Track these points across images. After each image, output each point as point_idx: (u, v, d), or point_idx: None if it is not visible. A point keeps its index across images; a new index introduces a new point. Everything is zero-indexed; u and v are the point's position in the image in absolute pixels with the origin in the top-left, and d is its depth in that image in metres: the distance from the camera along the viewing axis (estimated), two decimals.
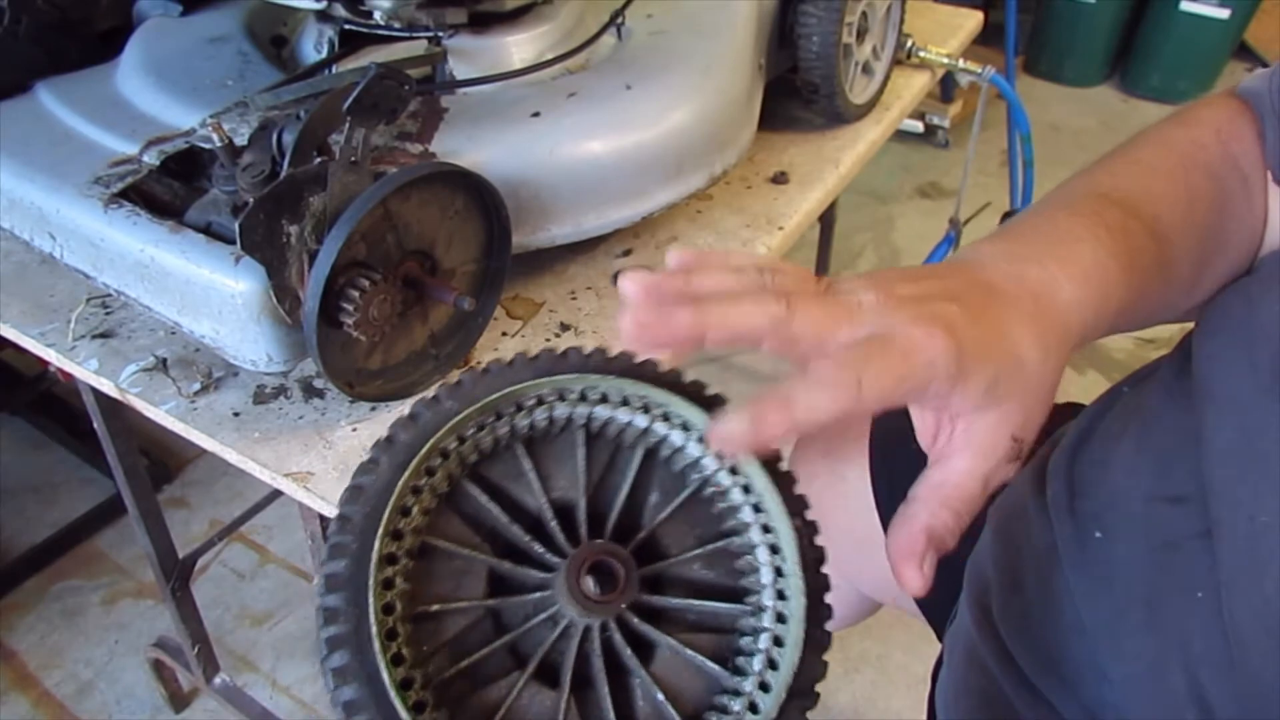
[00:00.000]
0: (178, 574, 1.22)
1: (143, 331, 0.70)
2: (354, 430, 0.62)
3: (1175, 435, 0.49)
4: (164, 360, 0.67)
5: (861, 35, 0.92)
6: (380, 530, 0.34)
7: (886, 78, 1.01)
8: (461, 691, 0.34)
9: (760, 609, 0.36)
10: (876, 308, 0.38)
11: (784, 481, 0.38)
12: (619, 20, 0.80)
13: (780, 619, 0.36)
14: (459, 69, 0.73)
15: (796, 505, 0.38)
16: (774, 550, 0.37)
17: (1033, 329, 0.40)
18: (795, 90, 0.91)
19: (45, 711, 1.49)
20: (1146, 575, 0.48)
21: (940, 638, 0.70)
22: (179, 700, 1.49)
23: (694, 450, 0.39)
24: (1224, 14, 2.92)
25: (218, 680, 1.33)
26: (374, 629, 0.32)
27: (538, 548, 0.37)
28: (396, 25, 0.72)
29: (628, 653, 0.35)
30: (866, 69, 0.97)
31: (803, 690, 0.34)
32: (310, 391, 0.65)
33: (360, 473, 0.35)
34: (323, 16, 0.75)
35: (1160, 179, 0.50)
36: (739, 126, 0.80)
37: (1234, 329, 0.46)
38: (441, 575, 0.36)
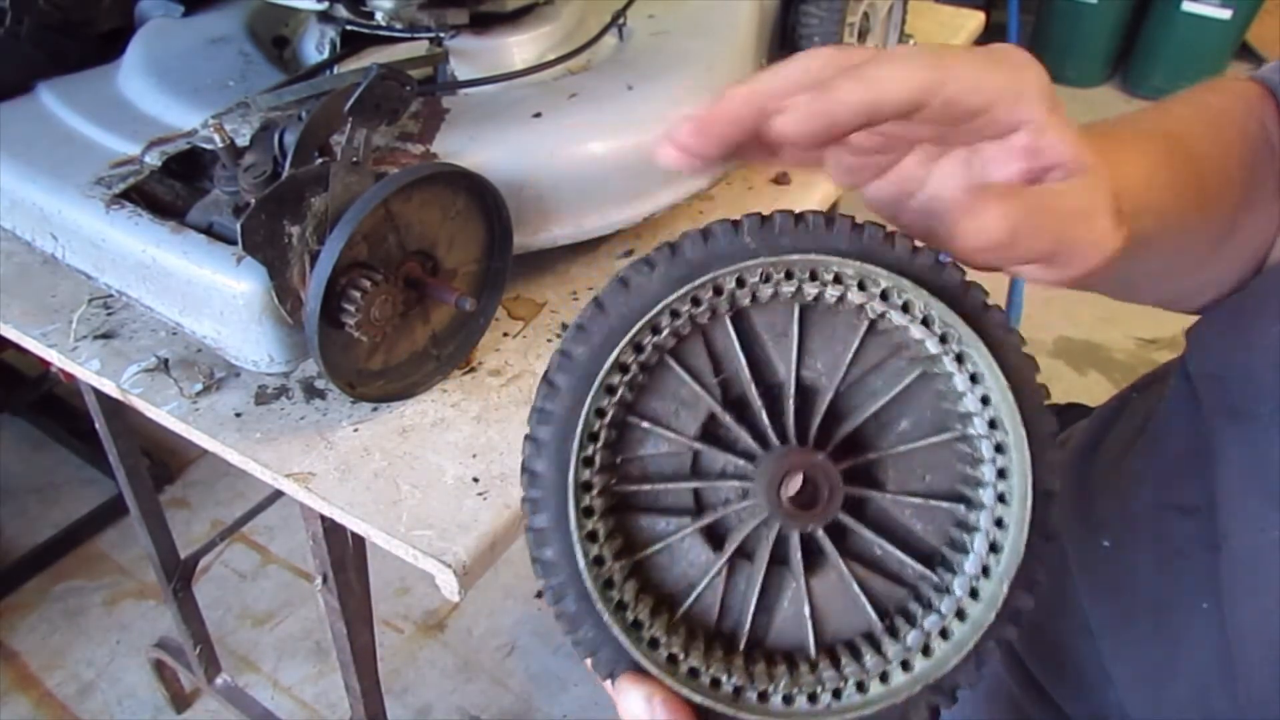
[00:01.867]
0: (179, 574, 1.23)
1: (144, 332, 0.70)
2: (355, 431, 0.62)
3: (1186, 446, 0.49)
4: (165, 361, 0.67)
5: (863, 36, 0.92)
6: (638, 325, 0.33)
7: None
8: (632, 508, 0.35)
9: (946, 589, 0.35)
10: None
11: (1040, 485, 0.34)
12: (620, 21, 0.80)
13: (960, 616, 0.34)
14: (460, 70, 0.73)
15: (1042, 516, 0.34)
16: (994, 549, 0.34)
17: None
18: None
19: (47, 712, 1.50)
20: (1154, 584, 0.48)
21: None
22: (180, 701, 1.49)
23: (971, 404, 0.35)
24: (1225, 14, 2.92)
25: (219, 681, 1.33)
26: (584, 412, 0.33)
27: (764, 417, 0.35)
28: (398, 26, 0.72)
29: (796, 557, 0.35)
30: None
31: (941, 688, 0.34)
32: (312, 392, 0.65)
33: (641, 267, 0.34)
34: (324, 17, 0.75)
35: (1196, 125, 0.48)
36: None
37: (1244, 349, 0.45)
38: (665, 396, 0.35)
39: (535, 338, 0.70)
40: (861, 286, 0.34)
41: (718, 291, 0.34)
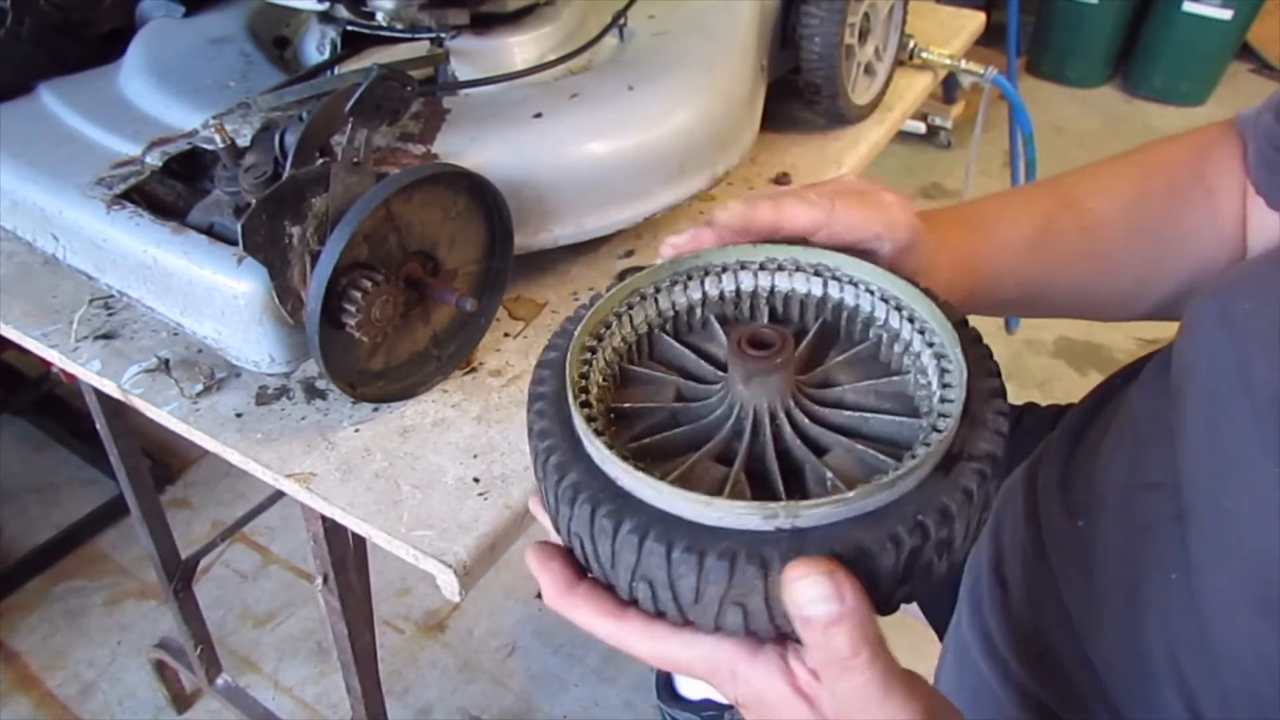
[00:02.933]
0: (180, 575, 1.23)
1: (145, 332, 0.70)
2: (356, 431, 0.62)
3: (1152, 426, 0.51)
4: (166, 361, 0.67)
5: (864, 36, 0.92)
6: (581, 327, 0.40)
7: (889, 78, 1.01)
8: (648, 458, 0.38)
9: (930, 411, 0.38)
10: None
11: (945, 307, 0.41)
12: (621, 21, 0.80)
13: (946, 400, 0.38)
14: (461, 70, 0.73)
15: (955, 315, 0.41)
16: (940, 356, 0.40)
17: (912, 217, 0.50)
18: (797, 91, 0.91)
19: (47, 712, 1.50)
20: (1125, 559, 0.49)
21: (941, 639, 0.70)
22: (181, 701, 1.49)
23: (866, 304, 0.44)
24: (1226, 14, 2.92)
25: (220, 681, 1.33)
26: (570, 392, 0.37)
27: (719, 372, 0.42)
28: (399, 26, 0.72)
29: (797, 443, 0.38)
30: (869, 70, 0.97)
31: (972, 456, 0.35)
32: (312, 392, 0.65)
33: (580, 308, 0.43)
34: (325, 18, 0.75)
35: (1116, 179, 0.59)
36: (741, 127, 0.80)
37: (1207, 329, 0.48)
38: (639, 390, 0.42)
39: (536, 338, 0.70)
40: (743, 266, 0.45)
41: (642, 297, 0.43)
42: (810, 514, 0.32)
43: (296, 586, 1.68)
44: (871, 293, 0.43)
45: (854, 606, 0.31)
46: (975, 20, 1.24)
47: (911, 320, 0.42)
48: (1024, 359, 2.22)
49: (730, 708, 1.33)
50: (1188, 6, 2.95)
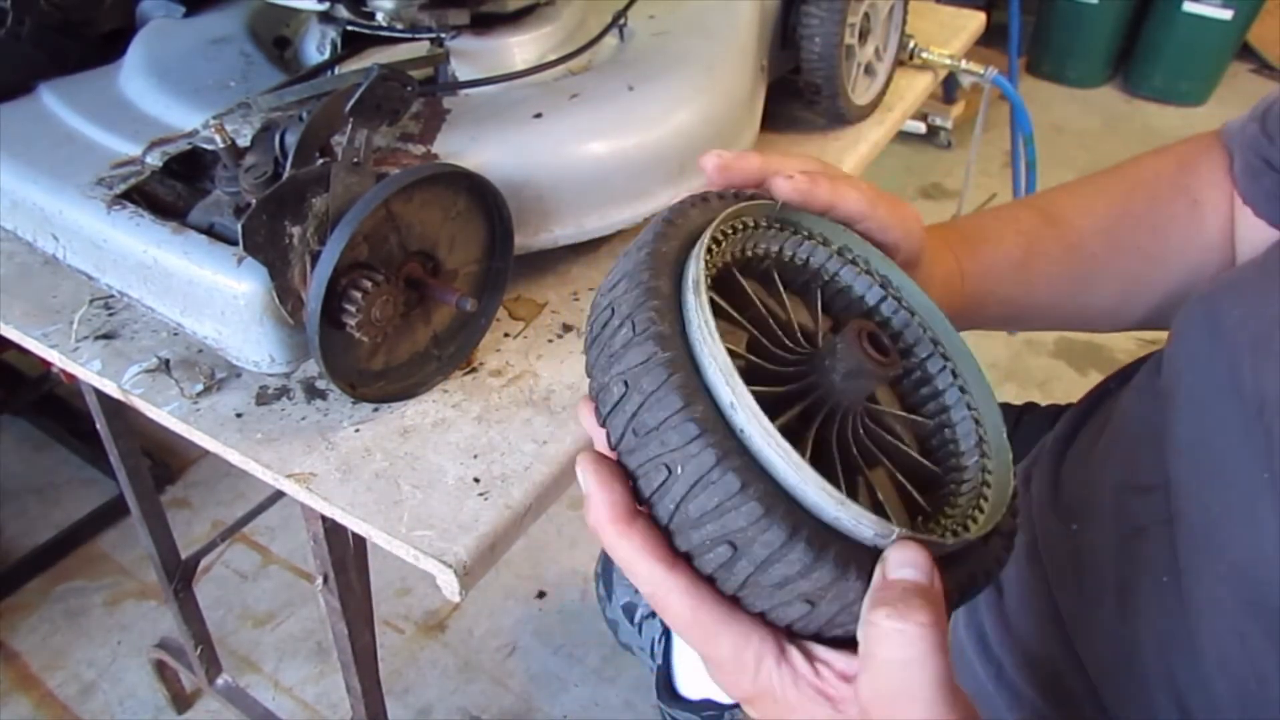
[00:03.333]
0: (180, 575, 1.23)
1: (145, 333, 0.70)
2: (356, 431, 0.62)
3: (1144, 430, 0.52)
4: (167, 361, 0.67)
5: (864, 36, 0.92)
6: (712, 230, 0.37)
7: (889, 79, 1.01)
8: None
9: (964, 469, 0.39)
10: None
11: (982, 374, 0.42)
12: (621, 21, 0.80)
13: (985, 470, 0.39)
14: (461, 70, 0.73)
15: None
16: (978, 423, 0.40)
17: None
18: (797, 91, 0.91)
19: (47, 712, 1.50)
20: (1117, 562, 0.49)
21: None
22: (181, 701, 1.49)
23: (911, 336, 0.44)
24: (1226, 15, 2.92)
25: (220, 681, 1.33)
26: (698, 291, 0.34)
27: (788, 341, 0.39)
28: (399, 26, 0.72)
29: (853, 450, 0.37)
30: (869, 70, 0.97)
31: (1002, 531, 0.37)
32: (312, 393, 0.65)
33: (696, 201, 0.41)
34: (325, 18, 0.75)
35: (1100, 195, 0.60)
36: (741, 127, 0.80)
37: (1197, 334, 0.48)
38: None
39: (536, 338, 0.70)
40: (825, 242, 0.43)
41: (744, 227, 0.41)
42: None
43: (296, 586, 1.68)
44: (923, 328, 0.43)
45: (940, 597, 0.31)
46: (975, 20, 1.24)
47: (955, 375, 0.42)
48: (1024, 359, 2.22)
49: (730, 708, 1.33)
50: (1188, 6, 2.95)
